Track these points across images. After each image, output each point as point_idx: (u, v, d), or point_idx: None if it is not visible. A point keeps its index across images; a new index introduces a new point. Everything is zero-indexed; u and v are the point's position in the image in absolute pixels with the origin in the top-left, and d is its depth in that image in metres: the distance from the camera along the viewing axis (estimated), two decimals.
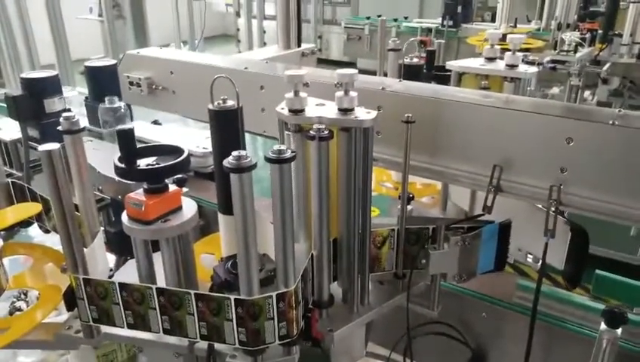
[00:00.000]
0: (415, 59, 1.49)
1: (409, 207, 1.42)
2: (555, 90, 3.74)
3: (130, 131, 0.94)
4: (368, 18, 4.99)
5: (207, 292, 0.93)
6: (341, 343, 1.05)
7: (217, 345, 0.95)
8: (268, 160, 0.83)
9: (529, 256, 1.23)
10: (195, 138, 1.80)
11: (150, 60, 1.62)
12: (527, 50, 4.03)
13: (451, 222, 1.07)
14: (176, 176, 1.54)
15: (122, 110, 1.60)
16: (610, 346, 0.95)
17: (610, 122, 0.93)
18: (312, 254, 1.00)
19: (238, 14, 8.65)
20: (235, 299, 0.88)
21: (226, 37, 11.50)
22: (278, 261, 0.90)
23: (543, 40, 4.18)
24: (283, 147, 0.83)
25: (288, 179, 0.84)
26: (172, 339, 0.97)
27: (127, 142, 0.94)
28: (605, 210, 1.00)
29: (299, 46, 1.65)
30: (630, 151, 0.93)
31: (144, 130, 2.02)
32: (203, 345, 0.96)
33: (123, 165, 0.94)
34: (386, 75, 1.71)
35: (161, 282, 1.01)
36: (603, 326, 0.97)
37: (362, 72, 1.08)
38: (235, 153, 0.81)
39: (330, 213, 0.99)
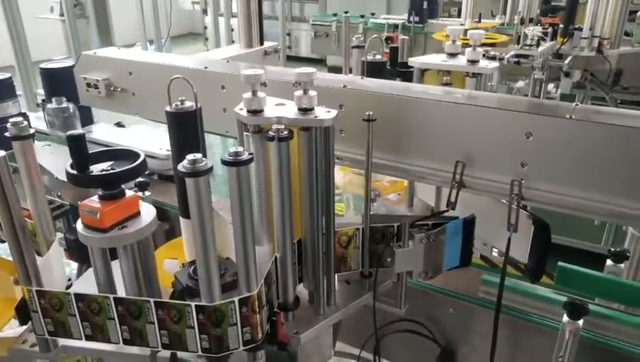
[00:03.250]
0: (378, 56, 1.48)
1: (375, 205, 1.42)
2: (521, 83, 3.80)
3: (81, 136, 0.90)
4: (335, 15, 4.98)
5: (167, 299, 0.91)
6: (308, 345, 1.04)
7: (180, 353, 0.93)
8: (224, 162, 0.81)
9: (494, 250, 1.24)
10: (162, 140, 1.76)
11: (108, 61, 1.57)
12: (492, 44, 4.09)
13: (416, 220, 1.07)
14: (137, 181, 1.51)
15: (71, 111, 1.55)
16: (573, 337, 0.97)
17: (568, 116, 0.94)
18: (276, 256, 0.99)
19: (205, 12, 8.54)
20: (196, 306, 0.86)
21: (194, 35, 11.36)
22: (239, 265, 0.88)
23: (507, 35, 4.24)
24: (240, 149, 0.81)
25: (246, 182, 0.82)
26: (133, 349, 0.94)
27: (78, 147, 0.90)
28: (565, 203, 1.01)
29: (261, 44, 1.62)
30: (587, 144, 0.94)
31: (107, 133, 1.97)
32: (165, 353, 0.94)
33: (75, 171, 0.90)
34: (351, 71, 1.71)
35: (121, 291, 0.98)
36: (565, 317, 0.98)
37: (331, 69, 1.07)
38: (190, 157, 0.79)
39: (293, 214, 0.98)
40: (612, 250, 1.22)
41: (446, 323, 1.25)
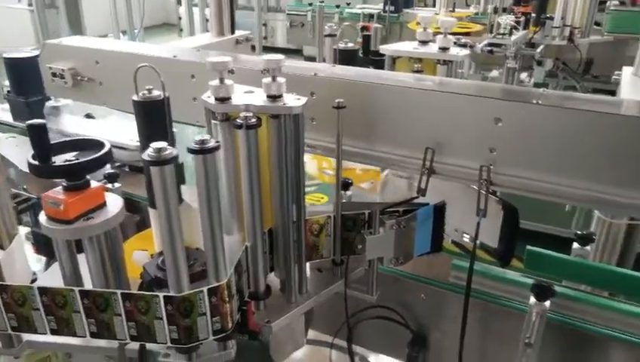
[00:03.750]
0: (350, 44, 1.47)
1: (348, 193, 1.42)
2: (495, 73, 3.84)
3: (42, 125, 0.88)
4: (311, 5, 4.95)
5: (134, 291, 0.89)
6: (280, 334, 1.03)
7: (149, 345, 0.92)
8: (190, 151, 0.79)
9: (465, 235, 1.26)
10: (133, 131, 1.72)
11: (73, 50, 1.53)
12: (466, 34, 4.12)
13: (386, 206, 1.07)
14: (107, 172, 1.49)
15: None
16: (540, 318, 0.98)
17: (534, 101, 0.95)
18: (246, 245, 0.98)
19: (179, 2, 8.39)
20: (164, 297, 0.84)
21: (168, 26, 11.17)
22: (207, 254, 0.87)
23: (481, 24, 4.27)
24: (206, 137, 0.80)
25: (213, 170, 0.81)
26: (101, 342, 0.92)
27: (39, 136, 0.88)
28: (534, 188, 1.02)
29: (232, 33, 1.60)
30: (554, 129, 0.95)
31: (76, 124, 1.93)
32: (134, 346, 0.92)
33: (36, 162, 0.88)
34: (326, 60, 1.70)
35: (88, 284, 0.96)
36: (532, 299, 1.00)
37: (308, 59, 1.07)
38: (154, 145, 0.78)
39: (264, 203, 0.97)
40: (578, 233, 1.25)
41: (418, 308, 1.26)
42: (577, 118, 0.94)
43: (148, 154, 0.78)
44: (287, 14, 5.00)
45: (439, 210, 1.11)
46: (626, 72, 1.39)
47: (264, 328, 1.00)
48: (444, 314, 1.22)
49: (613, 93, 2.21)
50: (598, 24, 4.03)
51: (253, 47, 1.80)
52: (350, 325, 1.29)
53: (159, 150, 0.77)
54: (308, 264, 1.12)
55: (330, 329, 1.32)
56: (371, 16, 4.44)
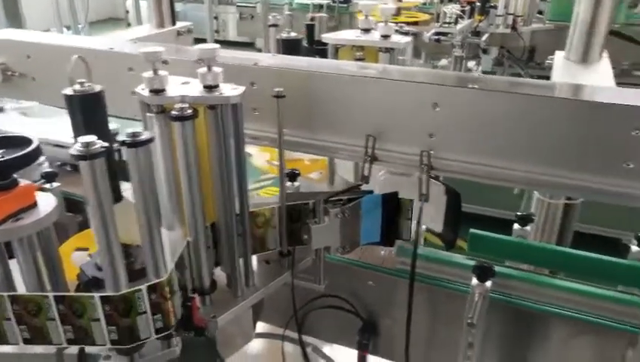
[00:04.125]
0: (293, 34, 1.46)
1: (296, 184, 1.42)
2: (444, 62, 3.90)
3: None
4: None
5: (68, 293, 0.86)
6: (227, 328, 1.02)
7: (89, 348, 0.88)
8: (122, 144, 0.77)
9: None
10: None
11: (3, 44, 1.45)
12: (415, 23, 4.17)
13: (330, 195, 1.06)
14: (44, 171, 1.42)
15: None
16: (482, 299, 1.00)
17: (470, 86, 0.96)
18: (188, 240, 0.96)
19: None
20: (100, 297, 0.81)
21: (115, 21, 10.84)
22: (145, 250, 0.85)
23: (429, 13, 4.33)
24: (139, 130, 0.78)
25: (147, 164, 0.79)
26: (38, 349, 0.88)
27: None
28: (473, 171, 1.04)
29: (173, 24, 1.56)
30: (489, 112, 0.97)
31: (13, 122, 1.84)
32: (73, 349, 0.89)
33: None
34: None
35: (23, 289, 0.91)
36: (474, 280, 1.02)
37: (260, 51, 1.04)
38: (82, 139, 0.75)
39: (205, 197, 0.95)
40: (518, 214, 1.28)
41: (367, 296, 1.27)
42: (511, 100, 0.96)
43: (76, 148, 0.75)
44: (237, 6, 4.93)
45: (390, 200, 1.11)
46: (559, 55, 1.44)
47: (210, 323, 0.98)
48: (393, 299, 1.23)
49: None
50: (541, 13, 4.15)
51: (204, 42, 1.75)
52: (301, 316, 1.29)
53: (87, 144, 0.74)
54: (255, 256, 1.11)
55: (282, 321, 1.32)
56: (321, 6, 4.44)
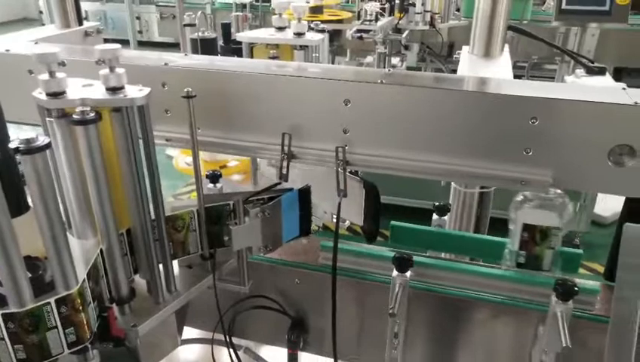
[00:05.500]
0: (207, 33, 1.44)
1: (218, 186, 1.40)
2: (369, 59, 3.98)
3: None
4: None
5: None
6: (149, 337, 0.99)
7: None
8: (16, 151, 0.72)
9: (335, 216, 1.28)
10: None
11: None
12: (338, 21, 4.23)
13: (249, 195, 1.06)
14: None
15: None
16: (402, 289, 1.03)
17: (379, 81, 0.98)
18: (101, 248, 0.92)
19: None
20: (2, 315, 0.76)
21: (28, 21, 10.24)
22: (51, 261, 0.80)
23: (352, 12, 4.41)
24: (34, 135, 0.73)
25: (45, 171, 0.75)
26: None
27: None
28: (388, 164, 1.06)
29: (80, 24, 1.49)
30: (398, 106, 1.00)
31: None
32: None
33: None
34: None
35: None
36: (394, 271, 1.04)
37: None
38: None
39: (117, 203, 0.92)
40: (436, 204, 1.33)
41: (293, 293, 1.27)
42: (418, 94, 0.99)
43: None
44: (157, 6, 4.79)
45: (304, 194, 1.13)
46: (464, 50, 1.51)
47: (129, 333, 0.95)
48: (319, 296, 1.24)
49: None
50: (459, 10, 4.33)
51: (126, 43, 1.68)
52: (230, 318, 1.27)
53: None
54: (176, 261, 1.08)
55: (211, 326, 1.29)
56: (244, 5, 4.40)
